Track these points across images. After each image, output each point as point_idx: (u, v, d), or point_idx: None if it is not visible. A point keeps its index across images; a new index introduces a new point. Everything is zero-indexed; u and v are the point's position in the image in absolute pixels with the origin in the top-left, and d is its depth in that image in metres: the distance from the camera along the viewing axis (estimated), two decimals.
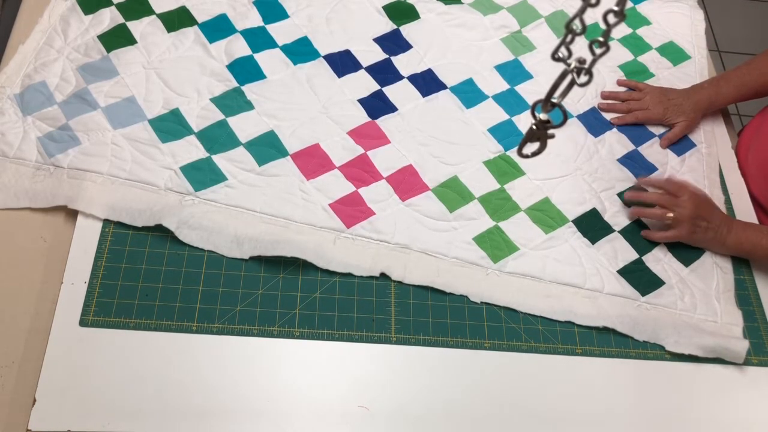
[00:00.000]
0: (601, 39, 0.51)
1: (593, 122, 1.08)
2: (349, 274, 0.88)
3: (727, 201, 1.04)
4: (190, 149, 0.94)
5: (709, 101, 1.08)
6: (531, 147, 0.61)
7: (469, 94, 1.08)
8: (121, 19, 1.05)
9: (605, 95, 1.12)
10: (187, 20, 1.07)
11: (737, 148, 1.11)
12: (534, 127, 0.59)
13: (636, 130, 1.09)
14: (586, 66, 0.53)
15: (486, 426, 0.81)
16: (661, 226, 0.96)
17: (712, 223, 0.94)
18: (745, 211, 1.04)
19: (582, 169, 1.02)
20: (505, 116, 1.06)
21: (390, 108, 1.04)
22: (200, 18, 1.08)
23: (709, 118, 1.13)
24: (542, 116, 0.58)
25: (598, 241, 0.95)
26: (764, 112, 1.12)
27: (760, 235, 0.93)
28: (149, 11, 1.07)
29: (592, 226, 0.97)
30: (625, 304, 0.91)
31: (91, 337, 0.79)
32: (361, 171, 0.96)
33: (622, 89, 1.13)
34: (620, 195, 1.01)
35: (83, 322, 0.80)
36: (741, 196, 1.05)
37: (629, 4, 1.26)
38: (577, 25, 0.51)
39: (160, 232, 0.87)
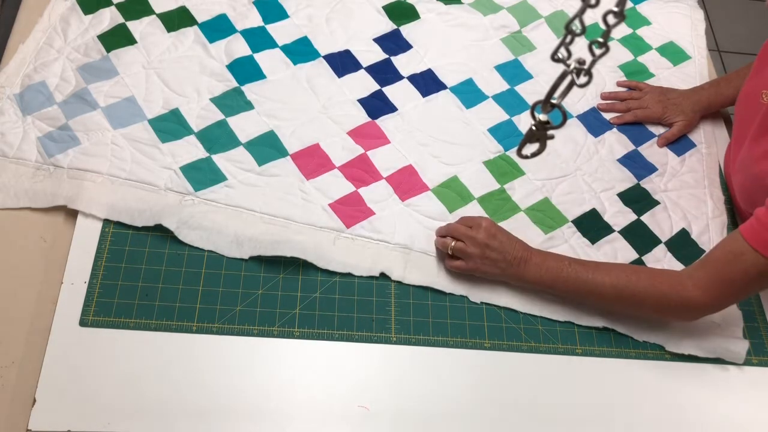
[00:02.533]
0: (600, 39, 0.51)
1: (593, 122, 1.08)
2: (349, 274, 0.88)
3: (728, 201, 1.04)
4: (190, 149, 0.94)
5: (708, 102, 1.08)
6: (531, 148, 0.61)
7: (469, 94, 1.08)
8: (121, 19, 1.05)
9: (605, 96, 1.12)
10: (187, 20, 1.07)
11: (725, 159, 1.09)
12: (533, 127, 0.59)
13: (636, 130, 1.09)
14: (586, 66, 0.53)
15: (486, 426, 0.81)
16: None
17: (506, 254, 0.85)
18: None
19: (582, 169, 1.02)
20: (505, 116, 1.06)
21: (390, 108, 1.04)
22: (200, 18, 1.08)
23: (709, 119, 1.12)
24: (542, 117, 0.58)
25: (598, 241, 0.95)
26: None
27: (561, 264, 0.85)
28: (149, 11, 1.07)
29: (592, 226, 0.97)
30: None
31: (91, 337, 0.79)
32: (361, 171, 0.96)
33: (622, 89, 1.13)
34: (620, 195, 1.01)
35: (83, 322, 0.80)
36: None
37: (629, 5, 1.26)
38: (576, 25, 0.51)
39: (160, 232, 0.87)
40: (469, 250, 0.85)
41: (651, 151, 1.07)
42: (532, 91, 1.09)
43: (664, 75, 1.17)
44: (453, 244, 0.86)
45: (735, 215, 1.03)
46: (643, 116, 1.08)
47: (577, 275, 0.84)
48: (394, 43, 1.11)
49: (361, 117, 1.02)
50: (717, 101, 1.08)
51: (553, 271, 0.85)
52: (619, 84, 1.14)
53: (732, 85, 1.07)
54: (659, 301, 0.82)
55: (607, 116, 1.09)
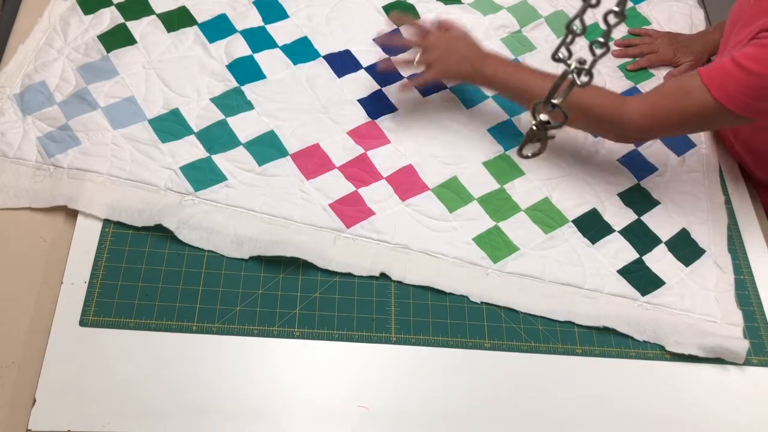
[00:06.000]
0: (601, 39, 0.51)
1: None
2: (349, 274, 0.88)
3: (728, 201, 1.04)
4: (190, 149, 0.94)
5: (715, 44, 1.13)
6: (531, 148, 0.61)
7: (469, 93, 1.08)
8: (121, 19, 1.05)
9: (618, 43, 1.16)
10: (187, 20, 1.07)
11: None
12: (534, 127, 0.59)
13: None
14: (587, 66, 0.53)
15: (486, 426, 0.81)
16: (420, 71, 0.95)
17: (469, 55, 0.93)
18: (745, 210, 1.04)
19: (582, 169, 1.02)
20: (505, 116, 1.06)
21: (390, 108, 1.04)
22: (200, 18, 1.08)
23: None
24: (542, 117, 0.58)
25: (598, 241, 0.95)
26: None
27: (518, 66, 0.95)
28: (149, 11, 1.07)
29: (592, 226, 0.97)
30: (625, 304, 0.91)
31: (91, 337, 0.79)
32: (360, 171, 0.96)
33: (634, 37, 1.18)
34: (620, 195, 1.01)
35: (83, 322, 0.80)
36: (741, 196, 1.05)
37: (629, 5, 1.26)
38: (577, 25, 0.51)
39: (160, 232, 0.87)
40: (438, 52, 0.89)
41: (651, 151, 1.07)
42: None
43: (664, 74, 1.17)
44: (417, 57, 0.87)
45: (735, 215, 1.02)
46: (656, 60, 1.14)
47: (528, 78, 0.90)
48: None
49: (361, 117, 1.02)
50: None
51: (508, 69, 0.92)
52: (630, 32, 1.19)
53: None
54: (600, 112, 0.89)
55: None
